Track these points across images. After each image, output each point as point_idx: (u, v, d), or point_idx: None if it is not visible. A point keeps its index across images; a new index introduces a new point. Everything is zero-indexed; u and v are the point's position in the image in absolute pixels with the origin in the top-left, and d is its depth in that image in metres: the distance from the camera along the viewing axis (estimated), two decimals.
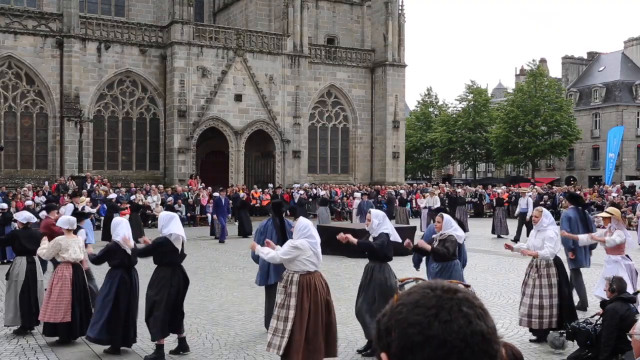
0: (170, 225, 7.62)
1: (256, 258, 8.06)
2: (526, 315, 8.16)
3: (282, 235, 7.69)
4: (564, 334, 7.49)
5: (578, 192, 21.56)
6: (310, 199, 31.66)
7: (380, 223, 7.87)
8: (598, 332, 6.81)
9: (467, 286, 5.39)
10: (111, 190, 26.90)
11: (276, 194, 30.55)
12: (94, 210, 20.58)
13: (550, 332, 7.88)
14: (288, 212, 10.92)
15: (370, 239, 7.94)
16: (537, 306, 8.08)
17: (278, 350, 6.63)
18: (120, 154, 34.70)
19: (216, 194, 23.56)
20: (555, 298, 8.11)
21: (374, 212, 8.14)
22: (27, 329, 8.87)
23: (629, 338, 4.97)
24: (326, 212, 26.34)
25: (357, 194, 27.38)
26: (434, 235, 8.39)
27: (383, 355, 1.28)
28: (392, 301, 1.31)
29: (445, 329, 1.20)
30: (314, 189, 33.06)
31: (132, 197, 26.39)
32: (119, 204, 21.79)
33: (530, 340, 8.29)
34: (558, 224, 9.99)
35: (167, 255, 7.62)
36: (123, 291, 7.78)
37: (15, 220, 10.39)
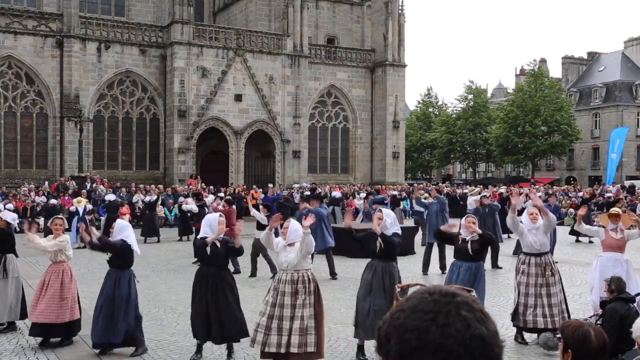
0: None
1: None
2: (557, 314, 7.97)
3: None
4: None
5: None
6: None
7: (392, 222, 7.53)
8: None
9: (469, 291, 5.38)
10: (110, 190, 26.92)
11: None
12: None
13: (543, 333, 7.77)
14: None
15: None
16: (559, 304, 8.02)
17: (311, 347, 6.66)
18: (120, 154, 34.67)
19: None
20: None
21: (386, 211, 7.80)
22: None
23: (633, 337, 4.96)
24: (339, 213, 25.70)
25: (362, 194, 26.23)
26: (467, 238, 8.12)
27: None
28: (392, 308, 1.30)
29: (443, 333, 1.18)
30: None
31: (148, 199, 26.59)
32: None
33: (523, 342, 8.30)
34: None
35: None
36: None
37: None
